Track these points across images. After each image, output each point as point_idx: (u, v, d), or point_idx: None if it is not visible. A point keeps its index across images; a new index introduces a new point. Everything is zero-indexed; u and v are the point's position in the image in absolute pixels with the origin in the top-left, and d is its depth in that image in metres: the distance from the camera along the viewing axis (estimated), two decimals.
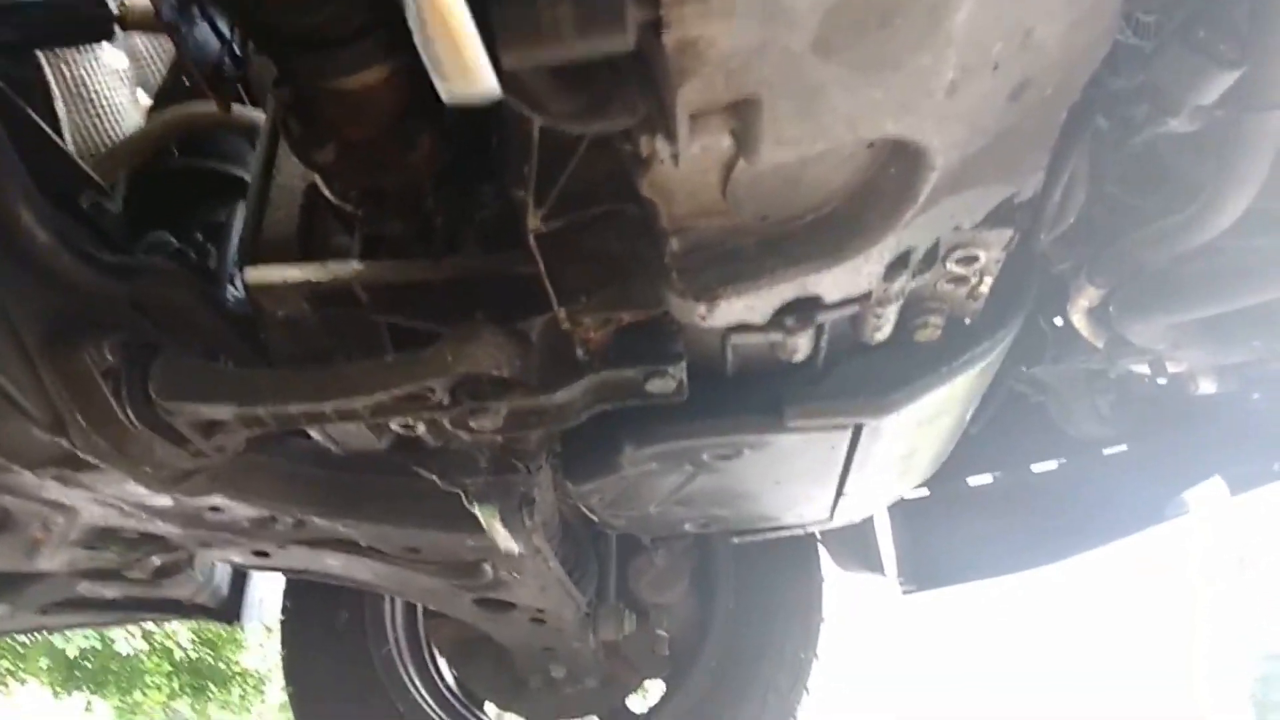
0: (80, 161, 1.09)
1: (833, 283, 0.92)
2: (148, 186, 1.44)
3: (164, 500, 1.27)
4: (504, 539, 1.35)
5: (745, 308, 0.93)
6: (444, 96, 0.57)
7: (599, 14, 0.55)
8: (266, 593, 2.35)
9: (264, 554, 1.61)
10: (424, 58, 0.57)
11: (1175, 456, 1.94)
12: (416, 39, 0.56)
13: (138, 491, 1.22)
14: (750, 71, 0.62)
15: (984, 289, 1.13)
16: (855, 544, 2.03)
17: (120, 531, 1.43)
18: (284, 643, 2.29)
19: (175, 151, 1.48)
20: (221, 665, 13.82)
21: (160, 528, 1.39)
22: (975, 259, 1.04)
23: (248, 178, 1.45)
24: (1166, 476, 1.96)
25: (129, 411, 1.04)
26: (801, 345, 1.06)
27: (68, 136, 1.37)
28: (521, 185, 0.90)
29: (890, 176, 0.81)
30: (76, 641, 11.47)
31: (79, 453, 1.06)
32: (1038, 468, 2.18)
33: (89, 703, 14.04)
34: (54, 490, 1.19)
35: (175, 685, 13.81)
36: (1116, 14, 0.79)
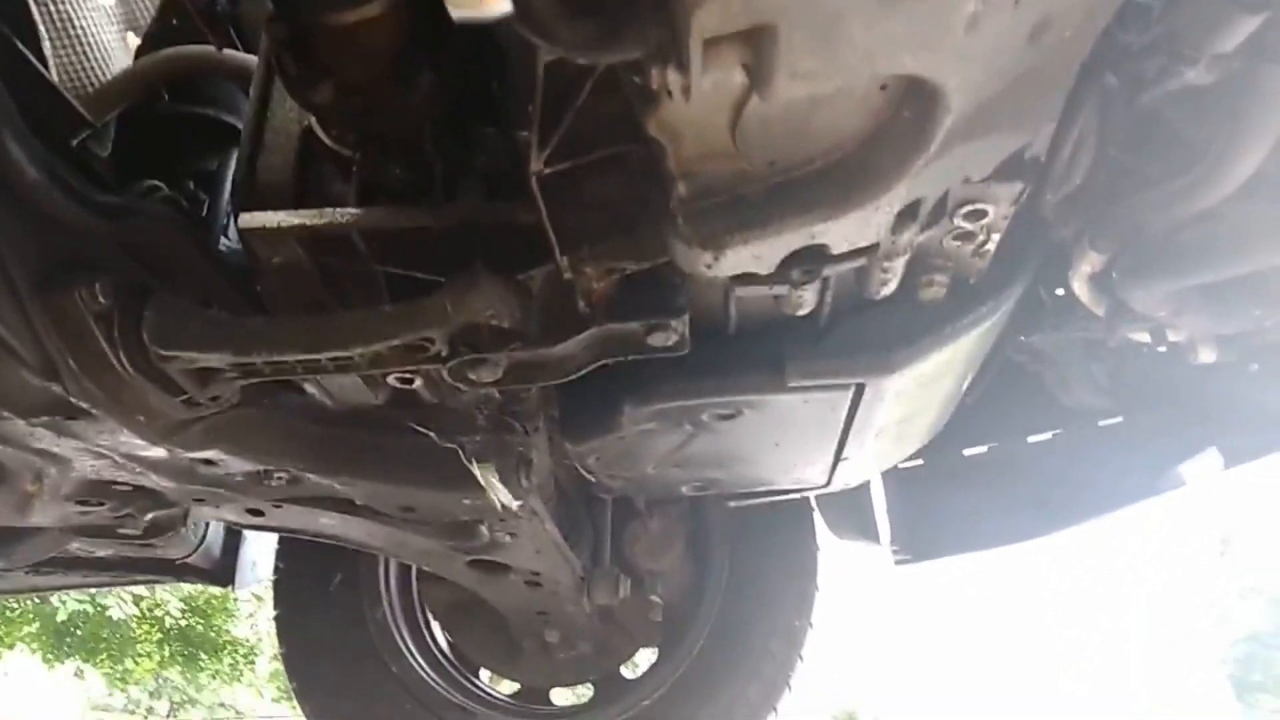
0: (70, 98, 1.06)
1: (840, 233, 0.91)
2: (138, 132, 1.41)
3: (158, 452, 1.25)
4: (502, 494, 1.34)
5: (752, 257, 0.92)
6: (453, 13, 0.55)
7: None
8: (259, 555, 2.35)
9: (258, 512, 1.60)
10: None
11: (1171, 428, 1.94)
12: None
13: (131, 443, 1.20)
14: None
15: (990, 247, 1.12)
16: (851, 512, 2.03)
17: (113, 485, 1.41)
18: (277, 603, 2.28)
19: (165, 96, 1.45)
20: (212, 634, 13.87)
21: (153, 481, 1.38)
22: (983, 214, 1.03)
23: (240, 125, 1.42)
24: (1162, 448, 1.95)
25: (122, 357, 1.03)
26: (807, 298, 1.05)
27: (54, 75, 1.34)
28: (525, 126, 0.88)
29: (904, 120, 0.79)
30: (68, 605, 11.48)
31: (72, 399, 1.04)
32: (1033, 439, 2.18)
33: (79, 670, 14.08)
34: (46, 439, 1.17)
35: (166, 653, 13.87)
36: None
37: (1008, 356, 1.92)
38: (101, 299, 0.99)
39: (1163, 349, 1.75)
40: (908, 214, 0.92)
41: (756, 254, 0.91)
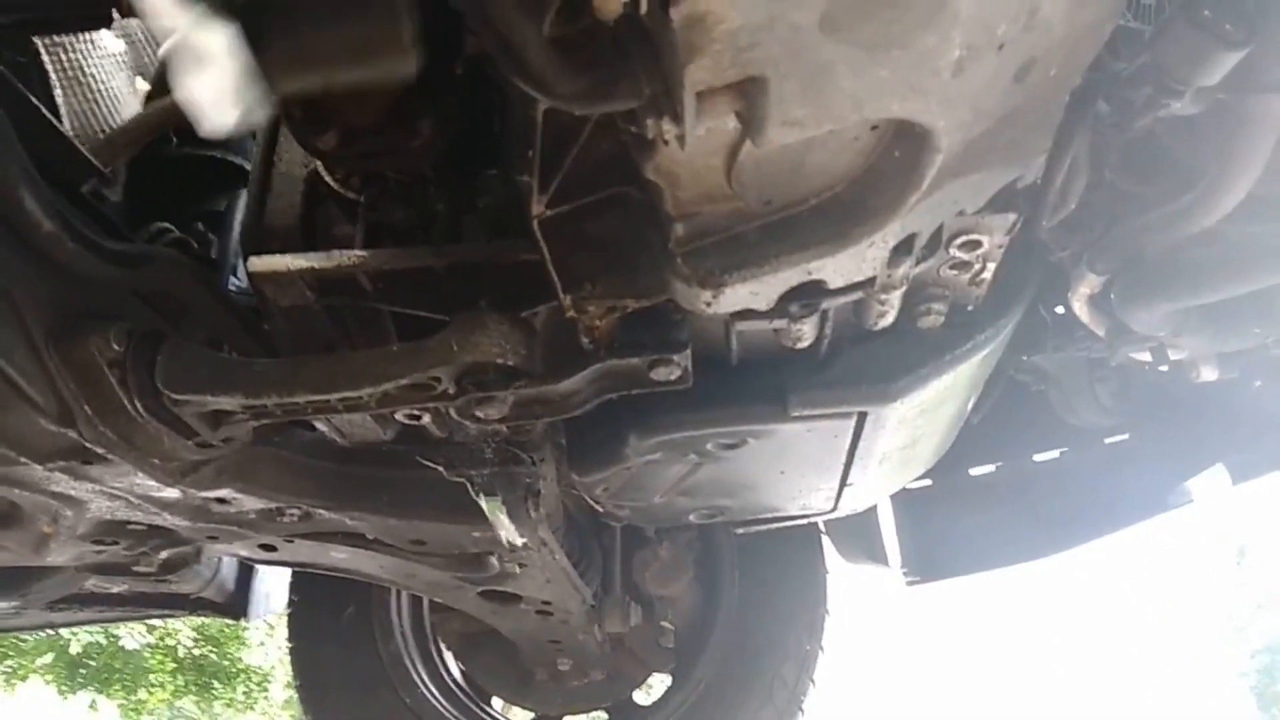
0: (82, 148, 1.08)
1: (837, 268, 0.93)
2: (147, 174, 1.44)
3: (172, 493, 1.27)
4: (508, 530, 1.35)
5: (750, 294, 0.93)
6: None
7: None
8: (273, 587, 2.36)
9: (271, 548, 1.61)
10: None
11: (1177, 445, 1.94)
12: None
13: (145, 484, 1.22)
14: (757, 49, 0.62)
15: (987, 275, 1.13)
16: (859, 535, 2.04)
17: (128, 525, 1.43)
18: (291, 636, 2.30)
19: (174, 139, 1.48)
20: (225, 662, 13.86)
21: (168, 521, 1.39)
22: (978, 244, 1.04)
23: (247, 165, 1.45)
24: (1169, 465, 1.96)
25: (136, 402, 1.05)
26: (806, 332, 1.06)
27: (66, 122, 1.37)
28: (525, 170, 0.90)
29: (895, 160, 0.81)
30: (81, 637, 11.49)
31: (87, 444, 1.06)
32: (1039, 457, 2.18)
33: (94, 701, 14.08)
34: (62, 483, 1.19)
35: (180, 683, 13.85)
36: None
37: (1012, 377, 1.93)
38: (115, 346, 1.02)
39: (1164, 368, 1.76)
40: (903, 248, 0.94)
41: (754, 291, 0.93)
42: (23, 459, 1.09)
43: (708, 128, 0.72)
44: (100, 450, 1.07)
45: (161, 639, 12.84)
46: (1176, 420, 1.93)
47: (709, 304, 0.93)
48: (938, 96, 0.71)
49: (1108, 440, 2.10)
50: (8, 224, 0.93)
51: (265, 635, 13.84)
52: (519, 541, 1.33)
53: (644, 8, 0.58)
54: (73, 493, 1.25)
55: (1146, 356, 1.75)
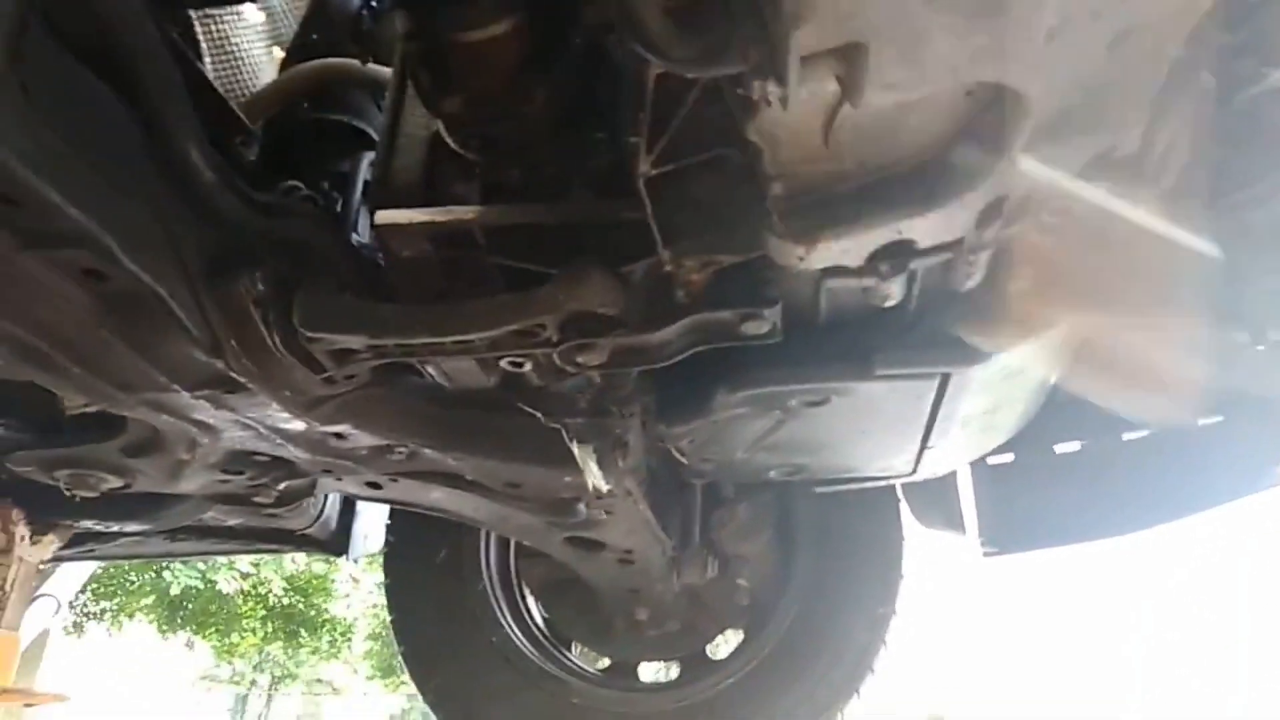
0: (235, 108, 1.20)
1: (926, 228, 0.97)
2: (280, 137, 1.56)
3: (297, 425, 1.39)
4: (596, 476, 1.43)
5: (841, 251, 0.98)
6: None
7: None
8: (370, 529, 2.52)
9: (376, 485, 1.74)
10: None
11: (1269, 428, 1.91)
12: None
13: (276, 415, 1.35)
14: (860, 16, 0.68)
15: None
16: (938, 501, 2.06)
17: (254, 455, 1.57)
18: (386, 574, 2.45)
19: (306, 104, 1.60)
20: (312, 612, 14.53)
21: (290, 453, 1.52)
22: (1070, 210, 1.07)
23: (371, 130, 1.56)
24: (1260, 448, 1.93)
25: (276, 338, 1.16)
26: (894, 291, 1.11)
27: None
28: (634, 131, 0.97)
29: (987, 123, 0.85)
30: (181, 580, 12.19)
31: (231, 374, 1.18)
32: (1129, 436, 2.16)
33: (190, 641, 14.94)
34: (203, 411, 1.32)
35: (269, 629, 14.59)
36: None
37: None
38: (260, 287, 1.13)
39: (1262, 347, 1.74)
40: (992, 210, 0.98)
41: (846, 248, 0.98)
42: (175, 385, 1.22)
43: (809, 91, 0.78)
44: (242, 380, 1.19)
45: (254, 587, 13.53)
46: (1271, 403, 1.90)
47: (801, 259, 0.99)
48: (1031, 63, 0.75)
49: (1201, 422, 2.07)
50: (177, 174, 1.05)
51: (350, 588, 14.46)
52: (604, 487, 1.41)
53: None
54: (211, 421, 1.38)
55: (1244, 337, 1.73)
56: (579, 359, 1.19)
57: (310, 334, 1.16)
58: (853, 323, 1.24)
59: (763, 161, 0.92)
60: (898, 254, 1.01)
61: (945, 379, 1.31)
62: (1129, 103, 0.94)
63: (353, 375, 1.28)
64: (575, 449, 1.40)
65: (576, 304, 1.13)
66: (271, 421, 1.37)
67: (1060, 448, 2.22)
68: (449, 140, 1.22)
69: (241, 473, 1.65)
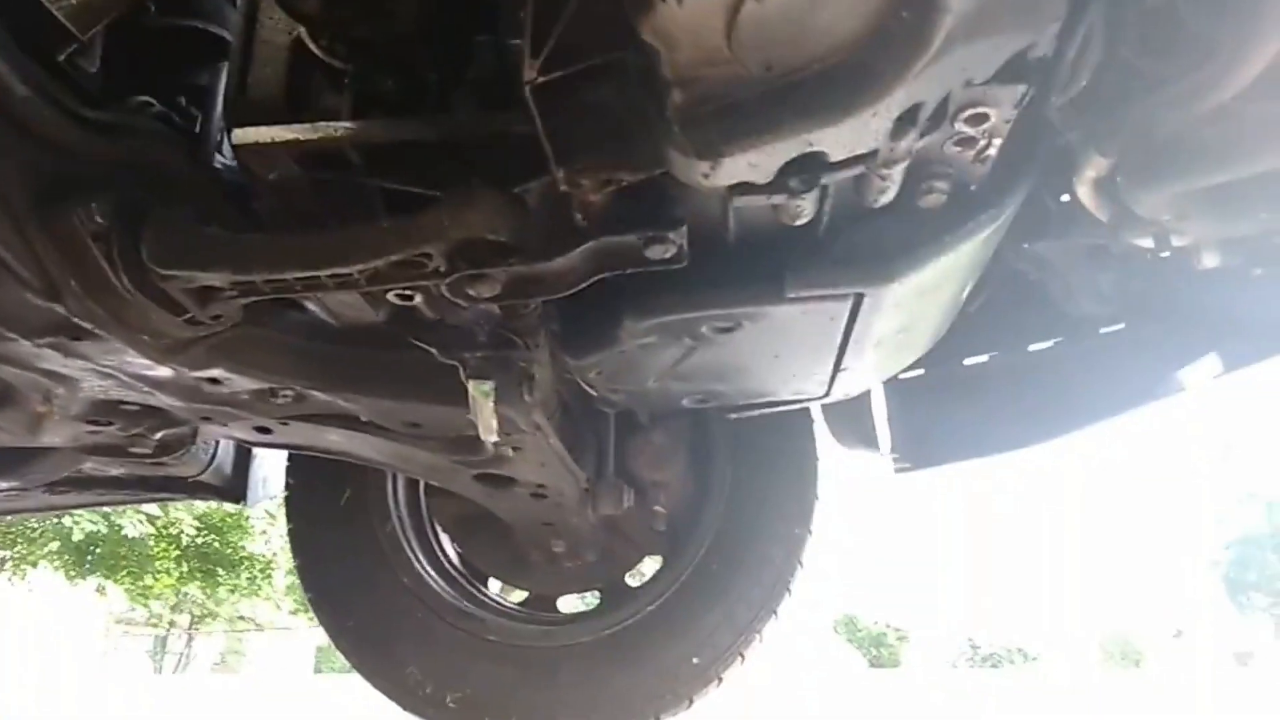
0: (56, 11, 1.03)
1: (838, 139, 0.90)
2: (125, 46, 1.38)
3: (163, 372, 1.27)
4: (485, 423, 1.34)
5: (749, 165, 0.91)
6: None
7: None
8: (270, 472, 2.39)
9: (266, 430, 1.62)
10: None
11: (1172, 334, 1.95)
12: None
13: (136, 362, 1.22)
14: None
15: (992, 152, 1.11)
16: (853, 420, 2.05)
17: (121, 405, 1.44)
18: (289, 519, 2.34)
19: (151, 8, 1.42)
20: (228, 550, 14.26)
21: (161, 401, 1.40)
22: (985, 118, 1.01)
23: (227, 35, 1.39)
24: (1163, 355, 1.96)
25: (122, 277, 1.03)
26: (805, 208, 1.04)
27: None
28: (517, 33, 0.86)
29: (903, 20, 0.78)
30: (83, 525, 11.77)
31: (75, 320, 1.05)
32: (1034, 347, 2.18)
33: (101, 586, 14.52)
34: (53, 360, 1.18)
35: (184, 569, 14.29)
36: None
37: (1010, 265, 1.91)
38: (99, 219, 0.99)
39: (1166, 255, 1.75)
40: (907, 119, 0.91)
41: (753, 162, 0.90)
42: (10, 334, 1.08)
43: None
44: (88, 325, 1.06)
45: (164, 528, 13.15)
46: (1174, 309, 1.93)
47: (706, 176, 0.91)
48: None
49: (1103, 330, 2.10)
50: None
51: (267, 524, 14.19)
52: (493, 438, 1.32)
53: None
54: (64, 370, 1.24)
55: (1149, 243, 1.74)
56: (470, 291, 1.10)
57: (163, 271, 1.03)
58: (763, 244, 1.17)
59: (660, 66, 0.82)
60: (808, 168, 0.93)
61: (859, 299, 1.26)
62: None
63: (219, 315, 1.15)
64: (470, 388, 1.31)
65: (464, 230, 1.03)
66: (132, 369, 1.24)
67: (969, 360, 2.23)
68: (312, 46, 1.09)
69: (111, 423, 1.51)
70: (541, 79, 0.89)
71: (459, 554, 2.39)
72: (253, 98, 1.10)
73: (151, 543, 13.32)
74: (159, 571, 14.24)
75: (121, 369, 1.24)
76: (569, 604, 2.44)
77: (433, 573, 2.27)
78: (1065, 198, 1.75)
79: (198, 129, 1.37)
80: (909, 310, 1.37)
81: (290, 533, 2.33)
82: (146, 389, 1.33)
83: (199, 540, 13.77)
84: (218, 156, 1.36)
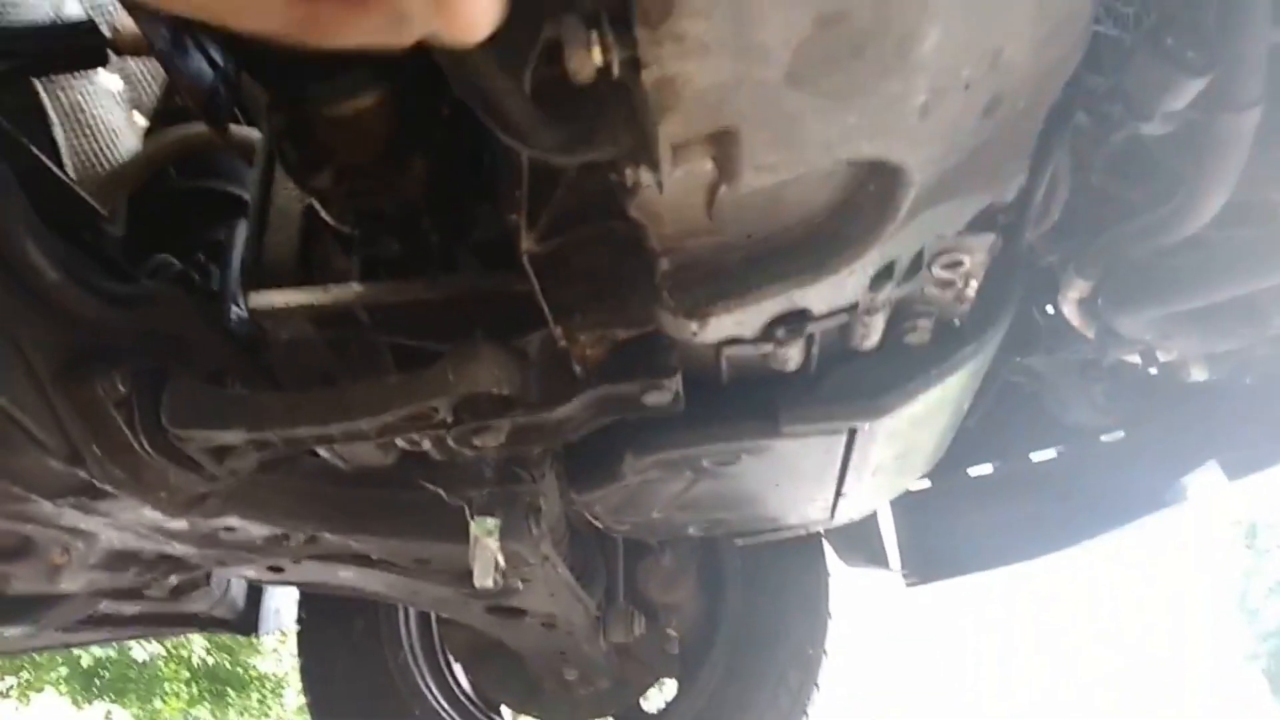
0: (82, 192, 1.11)
1: (819, 295, 0.95)
2: (148, 208, 1.47)
3: (179, 523, 1.30)
4: (483, 567, 1.34)
5: (735, 323, 0.96)
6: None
7: None
8: (282, 602, 2.39)
9: (279, 569, 1.64)
10: None
11: (1172, 442, 1.96)
12: None
13: (154, 516, 1.25)
14: (727, 104, 0.65)
15: (970, 292, 1.15)
16: (859, 540, 2.06)
17: (138, 554, 1.46)
18: (300, 652, 2.33)
19: (173, 172, 1.51)
20: (239, 670, 13.93)
21: (177, 549, 1.42)
22: (960, 263, 1.06)
23: (246, 195, 1.48)
24: (1164, 463, 1.97)
25: (143, 440, 1.07)
26: (793, 355, 1.09)
27: (66, 162, 1.40)
28: (514, 209, 0.92)
29: (869, 193, 0.83)
30: (92, 650, 11.56)
31: (95, 482, 1.09)
32: (1037, 456, 2.20)
33: (108, 712, 14.16)
34: (72, 517, 1.22)
35: (194, 691, 13.93)
36: (1088, 26, 0.81)
37: (1005, 379, 1.95)
38: (120, 387, 1.04)
39: (1154, 370, 1.78)
40: (884, 273, 0.96)
41: (740, 320, 0.95)
42: (33, 496, 1.12)
43: (685, 171, 0.75)
44: (108, 487, 1.10)
45: (174, 649, 12.90)
46: (1171, 418, 1.95)
47: (695, 334, 0.95)
48: (907, 137, 0.74)
49: (1104, 438, 2.11)
50: (14, 273, 0.96)
51: (278, 642, 13.91)
52: (488, 583, 1.33)
53: (616, 72, 0.60)
54: (83, 526, 1.28)
55: (1137, 359, 1.77)
56: (475, 441, 1.14)
57: (180, 433, 1.08)
58: (756, 382, 1.21)
59: (647, 238, 0.88)
60: (792, 322, 0.98)
61: (853, 431, 1.29)
62: (1008, 158, 0.93)
63: (235, 470, 1.19)
64: (472, 529, 1.33)
65: (468, 385, 1.08)
66: (150, 522, 1.27)
67: (973, 471, 2.25)
68: (324, 213, 1.16)
69: (127, 570, 1.53)
70: (538, 248, 0.95)
71: (471, 683, 2.36)
72: (267, 262, 1.16)
73: (161, 664, 13.04)
74: (168, 694, 13.90)
75: (139, 522, 1.27)
76: None
77: (445, 703, 2.25)
78: (1051, 310, 1.80)
79: (215, 284, 1.44)
80: (905, 438, 1.40)
81: (301, 668, 2.31)
82: (163, 539, 1.36)
83: (209, 660, 13.48)
84: (235, 309, 1.43)
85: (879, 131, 0.72)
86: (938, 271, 1.07)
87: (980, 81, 0.73)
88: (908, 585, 2.11)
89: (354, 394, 1.12)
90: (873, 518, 2.00)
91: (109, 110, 1.45)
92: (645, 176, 0.73)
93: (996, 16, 0.66)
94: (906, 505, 2.12)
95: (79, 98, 1.41)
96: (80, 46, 1.29)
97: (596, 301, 1.01)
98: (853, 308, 0.99)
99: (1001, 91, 0.77)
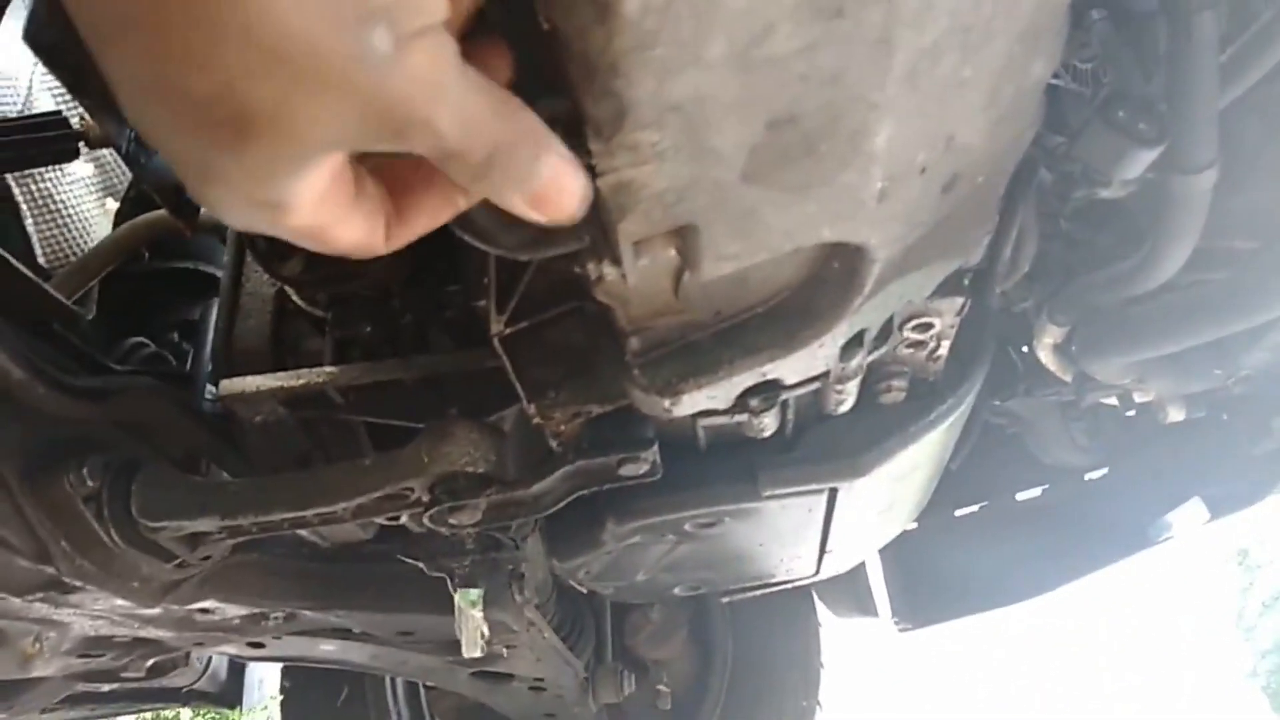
0: (51, 289, 1.10)
1: (790, 367, 0.95)
2: (120, 290, 1.46)
3: (153, 610, 1.28)
4: (470, 638, 1.33)
5: (708, 398, 0.95)
6: None
7: None
8: (265, 674, 2.35)
9: (259, 644, 1.62)
10: None
11: (1155, 479, 1.97)
12: None
13: (127, 604, 1.23)
14: (685, 203, 0.65)
15: (943, 351, 1.16)
16: (848, 590, 2.04)
17: (112, 639, 1.43)
18: None
19: (145, 253, 1.50)
20: None
21: (152, 633, 1.40)
22: (930, 326, 1.07)
23: (218, 273, 1.48)
24: (1148, 499, 1.98)
25: (112, 533, 1.06)
26: (768, 422, 1.08)
27: (38, 251, 1.39)
28: (482, 295, 0.92)
29: (834, 270, 0.84)
30: None
31: (64, 579, 1.07)
32: (1022, 495, 2.20)
33: None
34: (42, 610, 1.20)
35: None
36: (1040, 102, 0.83)
37: (986, 421, 1.95)
38: (90, 481, 1.03)
39: (1131, 412, 1.79)
40: (854, 342, 0.96)
41: (712, 394, 0.95)
42: (1, 594, 1.10)
43: (649, 262, 0.75)
44: (78, 583, 1.08)
45: (157, 717, 12.68)
46: (1151, 456, 1.96)
47: (668, 410, 0.95)
48: (866, 221, 0.74)
49: (1088, 476, 2.12)
50: None
51: (263, 716, 13.68)
52: (476, 653, 1.32)
53: None
54: (54, 617, 1.25)
55: (1114, 401, 1.78)
56: (452, 520, 1.13)
57: (151, 524, 1.06)
58: (734, 449, 1.21)
59: (616, 319, 0.88)
60: (765, 391, 0.98)
61: (834, 490, 1.29)
62: (972, 226, 0.94)
63: (208, 556, 1.18)
64: (456, 600, 1.32)
65: (443, 465, 1.07)
66: (123, 610, 1.25)
67: (960, 512, 2.25)
68: (295, 297, 1.16)
69: (102, 654, 1.50)
70: (508, 331, 0.95)
71: None
72: (239, 348, 1.16)
73: None
74: None
75: (112, 611, 1.25)
76: None
77: None
78: (1026, 349, 1.81)
79: (189, 364, 1.43)
80: (887, 493, 1.39)
81: None
82: (137, 624, 1.33)
83: None
84: (209, 389, 1.42)
85: (838, 218, 0.72)
86: (909, 334, 1.07)
87: (936, 164, 0.74)
88: (899, 632, 2.09)
89: (327, 478, 1.10)
90: (860, 567, 1.99)
91: (80, 198, 1.45)
92: (608, 270, 0.73)
93: (947, 108, 0.67)
94: (894, 550, 2.11)
95: (49, 186, 1.41)
96: (51, 142, 1.29)
97: (569, 379, 1.01)
98: (824, 376, 0.99)
99: (959, 170, 0.78)
